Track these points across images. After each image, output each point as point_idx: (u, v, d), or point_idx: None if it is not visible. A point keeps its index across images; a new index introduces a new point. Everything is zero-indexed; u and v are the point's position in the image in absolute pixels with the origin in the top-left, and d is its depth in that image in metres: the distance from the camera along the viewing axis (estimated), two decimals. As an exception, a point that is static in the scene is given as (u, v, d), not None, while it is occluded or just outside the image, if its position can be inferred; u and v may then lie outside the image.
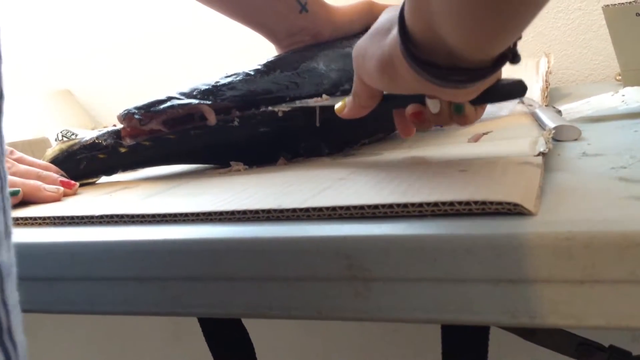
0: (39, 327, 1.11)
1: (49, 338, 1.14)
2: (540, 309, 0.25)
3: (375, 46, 0.36)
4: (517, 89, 0.37)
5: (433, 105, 0.39)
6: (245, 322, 0.55)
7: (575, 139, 0.45)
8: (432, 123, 0.41)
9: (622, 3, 0.65)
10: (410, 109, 0.40)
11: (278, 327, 0.92)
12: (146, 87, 1.32)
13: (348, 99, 0.43)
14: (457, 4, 0.28)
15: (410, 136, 0.44)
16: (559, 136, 0.46)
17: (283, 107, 0.50)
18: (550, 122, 0.49)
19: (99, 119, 1.37)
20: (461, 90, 0.34)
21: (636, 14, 0.64)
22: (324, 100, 0.51)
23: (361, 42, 0.38)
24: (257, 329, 0.58)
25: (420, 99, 0.40)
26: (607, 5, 0.66)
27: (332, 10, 0.58)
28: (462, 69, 0.31)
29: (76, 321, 1.11)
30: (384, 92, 0.41)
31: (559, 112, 0.58)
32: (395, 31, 0.33)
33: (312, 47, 0.57)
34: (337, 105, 0.44)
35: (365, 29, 0.61)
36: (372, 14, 0.60)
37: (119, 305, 0.34)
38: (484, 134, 0.51)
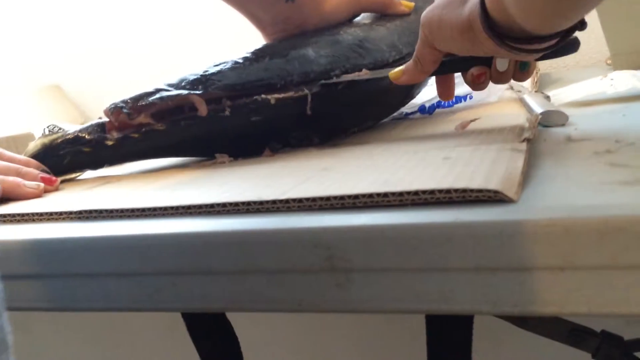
0: (34, 322, 1.10)
1: (45, 333, 1.14)
2: (521, 297, 0.24)
3: (452, 14, 0.38)
4: (572, 45, 0.40)
5: (501, 65, 0.42)
6: (231, 316, 0.54)
7: (563, 124, 0.45)
8: (495, 81, 0.44)
9: (611, -14, 0.64)
10: (474, 70, 0.43)
11: (264, 321, 0.92)
12: (137, 81, 1.31)
13: (406, 65, 0.45)
14: None
15: (450, 99, 0.49)
16: (546, 121, 0.46)
17: (337, 80, 0.50)
18: (538, 108, 0.48)
19: (89, 114, 1.36)
20: (534, 53, 0.37)
21: (625, -4, 0.63)
22: (365, 74, 0.51)
23: (433, 10, 0.40)
24: (244, 323, 0.57)
25: (482, 61, 0.42)
26: (596, -12, 0.65)
27: (320, 1, 0.57)
28: (536, 37, 0.34)
29: (71, 315, 1.11)
30: (445, 59, 0.44)
31: (548, 97, 0.57)
32: (473, 4, 0.36)
33: (300, 35, 0.56)
34: (393, 72, 0.46)
35: (353, 17, 0.61)
36: (360, 5, 0.59)
37: (98, 301, 0.33)
38: (471, 121, 0.50)
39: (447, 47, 0.41)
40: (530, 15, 0.33)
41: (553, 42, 0.35)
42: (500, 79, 0.43)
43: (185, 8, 1.27)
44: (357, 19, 0.62)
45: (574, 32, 0.35)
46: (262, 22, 0.57)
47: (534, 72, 0.44)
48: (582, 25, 0.35)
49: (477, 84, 0.44)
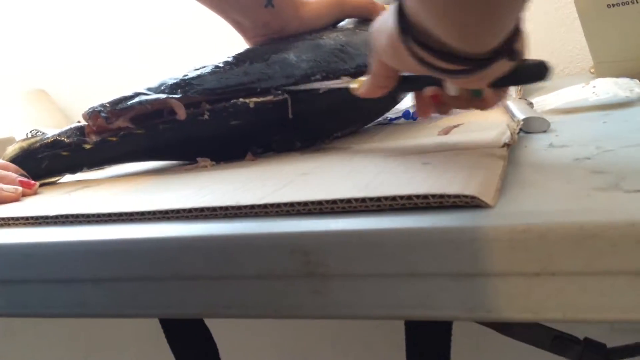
0: (17, 326, 1.09)
1: (27, 337, 1.12)
2: (497, 303, 0.24)
3: (387, 22, 0.34)
4: (538, 72, 0.35)
5: (451, 89, 0.38)
6: (210, 321, 0.54)
7: (545, 131, 0.45)
8: (452, 106, 0.40)
9: (593, -5, 0.65)
10: (428, 91, 0.39)
11: (243, 326, 0.91)
12: (123, 85, 1.30)
13: (366, 78, 0.42)
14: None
15: (427, 117, 0.43)
16: (528, 128, 0.46)
17: (297, 87, 0.49)
18: (520, 114, 0.48)
19: (74, 118, 1.34)
20: (463, 79, 0.32)
21: (607, 5, 0.64)
22: (344, 82, 0.49)
23: (379, 18, 0.37)
24: (222, 328, 0.57)
25: (439, 82, 0.38)
26: (579, -4, 0.66)
27: (300, 6, 0.57)
28: (456, 57, 0.30)
29: (53, 319, 1.10)
30: (402, 74, 0.40)
31: (531, 104, 0.58)
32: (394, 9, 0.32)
33: (283, 39, 0.56)
34: (354, 85, 0.44)
35: (336, 22, 0.61)
36: (342, 10, 0.59)
37: (74, 307, 0.33)
38: (454, 126, 0.50)
39: (384, 58, 0.37)
40: (435, 20, 0.28)
41: (471, 66, 0.30)
42: (457, 104, 0.39)
43: (170, 12, 1.26)
44: (342, 23, 0.62)
45: (495, 60, 0.30)
46: (243, 26, 0.57)
47: (501, 99, 0.39)
48: (511, 54, 0.30)
49: (435, 106, 0.40)
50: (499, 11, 0.27)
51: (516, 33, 0.30)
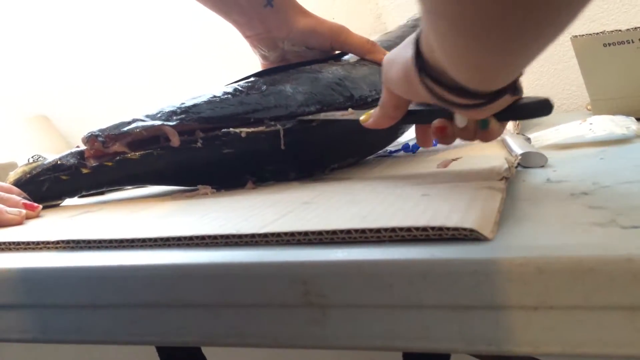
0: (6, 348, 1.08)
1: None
2: (495, 336, 0.24)
3: (402, 55, 0.37)
4: (542, 108, 0.37)
5: (460, 120, 0.39)
6: (207, 350, 0.53)
7: (542, 166, 0.46)
8: (456, 137, 0.41)
9: (590, 34, 0.66)
10: (436, 123, 0.41)
11: (240, 355, 0.90)
12: (125, 112, 1.32)
13: (375, 110, 0.44)
14: (446, 40, 0.28)
15: (428, 147, 0.46)
16: (526, 163, 0.46)
17: (306, 118, 0.50)
18: (518, 149, 0.49)
19: (75, 144, 1.35)
20: (472, 111, 0.35)
21: (603, 44, 0.65)
22: (349, 114, 0.50)
23: (392, 51, 0.39)
24: (219, 357, 0.56)
25: (446, 114, 0.40)
26: (576, 35, 0.68)
27: (300, 12, 0.59)
28: (465, 91, 0.32)
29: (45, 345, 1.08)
30: (410, 107, 0.42)
31: (528, 139, 0.58)
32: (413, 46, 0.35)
33: (283, 71, 0.57)
34: (362, 117, 0.45)
35: (331, 49, 0.62)
36: (338, 38, 0.60)
37: (72, 333, 0.32)
38: (453, 160, 0.51)
39: (395, 89, 0.40)
40: (452, 62, 0.30)
41: (483, 100, 0.33)
42: (463, 135, 0.41)
43: (171, 40, 1.28)
44: (345, 57, 0.63)
45: (502, 95, 0.33)
46: (243, 26, 0.59)
47: (501, 133, 0.40)
48: (514, 91, 0.33)
49: (441, 137, 0.42)
50: (515, 58, 0.28)
51: (521, 74, 0.32)
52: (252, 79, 0.56)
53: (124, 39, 1.32)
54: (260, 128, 0.50)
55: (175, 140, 0.49)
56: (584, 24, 0.96)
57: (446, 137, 0.41)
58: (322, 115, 0.51)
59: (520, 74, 0.33)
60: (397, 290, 0.26)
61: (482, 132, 0.40)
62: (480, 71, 0.30)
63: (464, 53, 0.28)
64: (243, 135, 0.49)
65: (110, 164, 0.50)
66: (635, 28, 0.64)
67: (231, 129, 0.50)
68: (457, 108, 0.35)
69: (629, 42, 0.63)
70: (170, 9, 1.26)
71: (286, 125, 0.50)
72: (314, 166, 0.54)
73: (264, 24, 0.58)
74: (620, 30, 0.64)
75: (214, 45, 1.18)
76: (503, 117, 0.37)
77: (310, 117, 0.51)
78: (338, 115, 0.51)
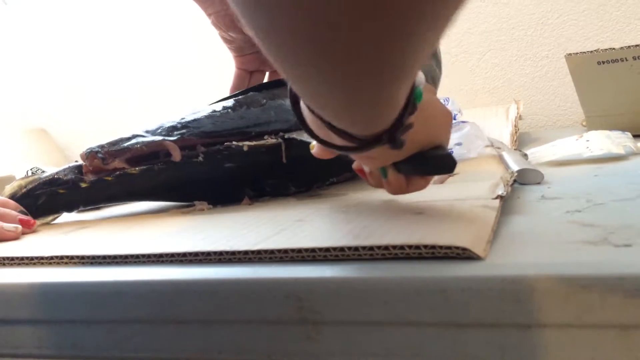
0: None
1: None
2: (488, 354, 0.24)
3: None
4: (445, 164, 0.36)
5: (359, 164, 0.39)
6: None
7: (538, 183, 0.46)
8: (369, 182, 0.40)
9: (584, 52, 0.67)
10: (354, 164, 0.41)
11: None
12: (122, 127, 1.32)
13: None
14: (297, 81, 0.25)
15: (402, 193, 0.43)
16: (522, 179, 0.47)
17: (275, 138, 0.50)
18: (514, 165, 0.49)
19: (74, 157, 1.35)
20: (352, 154, 0.34)
21: (597, 62, 0.66)
22: None
23: None
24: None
25: None
26: (570, 54, 0.68)
27: None
28: (345, 133, 0.30)
29: None
30: None
31: (525, 155, 0.59)
32: None
33: (279, 85, 0.57)
34: (312, 143, 0.43)
35: None
36: None
37: (66, 349, 0.32)
38: (449, 176, 0.51)
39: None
40: (312, 103, 0.28)
41: (355, 144, 0.31)
42: (371, 181, 0.40)
43: (171, 55, 1.29)
44: None
45: (376, 144, 0.30)
46: (235, 43, 0.59)
47: (420, 188, 0.38)
48: (394, 142, 0.30)
49: (366, 179, 0.40)
50: (356, 105, 0.26)
51: (399, 125, 0.30)
52: (250, 93, 0.56)
53: (123, 52, 1.33)
54: (262, 142, 0.50)
55: (176, 155, 0.49)
56: (578, 42, 0.97)
57: (367, 179, 0.40)
58: (295, 134, 0.51)
59: (402, 125, 0.30)
60: (390, 307, 0.26)
61: (385, 181, 0.38)
62: (333, 111, 0.28)
63: (309, 92, 0.26)
64: (245, 149, 0.50)
65: (109, 178, 0.50)
66: (629, 46, 0.65)
67: (233, 143, 0.50)
68: (339, 150, 0.33)
69: (623, 60, 0.64)
70: (168, 23, 1.27)
71: (287, 138, 0.50)
72: (313, 180, 0.54)
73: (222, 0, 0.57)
74: (614, 49, 0.65)
75: (213, 58, 1.18)
76: (402, 169, 0.36)
77: (278, 136, 0.51)
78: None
